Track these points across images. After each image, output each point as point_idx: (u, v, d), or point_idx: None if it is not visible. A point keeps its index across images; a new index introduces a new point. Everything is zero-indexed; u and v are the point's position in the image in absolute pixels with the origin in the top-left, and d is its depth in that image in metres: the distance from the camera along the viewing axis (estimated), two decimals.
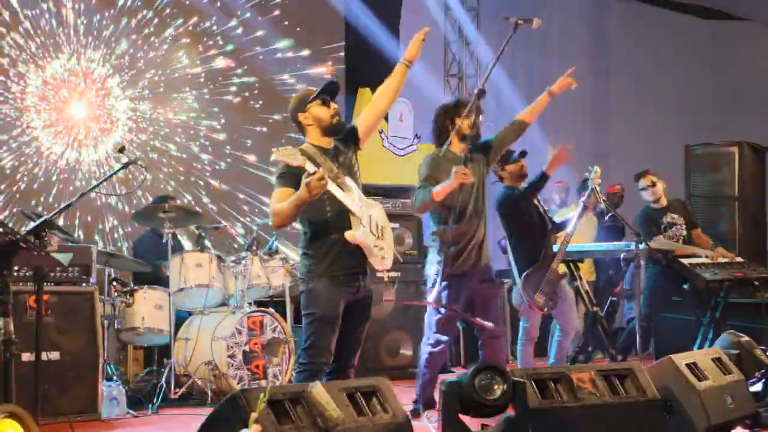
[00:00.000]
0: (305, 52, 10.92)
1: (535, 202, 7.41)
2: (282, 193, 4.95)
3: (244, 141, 10.42)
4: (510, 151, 7.25)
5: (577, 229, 7.50)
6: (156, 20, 9.86)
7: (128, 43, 9.67)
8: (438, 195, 5.95)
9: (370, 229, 5.07)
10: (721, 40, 14.37)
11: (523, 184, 7.34)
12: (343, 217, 5.01)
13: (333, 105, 5.18)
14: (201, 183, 10.10)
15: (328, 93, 5.18)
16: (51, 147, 9.14)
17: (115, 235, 9.46)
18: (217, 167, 10.23)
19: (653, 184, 8.80)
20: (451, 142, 6.27)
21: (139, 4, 9.74)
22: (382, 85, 5.44)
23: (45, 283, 5.39)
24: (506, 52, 6.22)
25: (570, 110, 13.24)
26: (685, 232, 8.75)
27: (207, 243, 8.55)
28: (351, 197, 5.01)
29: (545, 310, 7.19)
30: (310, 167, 4.72)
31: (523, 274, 7.16)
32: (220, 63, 10.31)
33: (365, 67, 11.33)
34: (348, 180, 5.05)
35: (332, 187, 4.88)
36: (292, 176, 4.90)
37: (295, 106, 5.22)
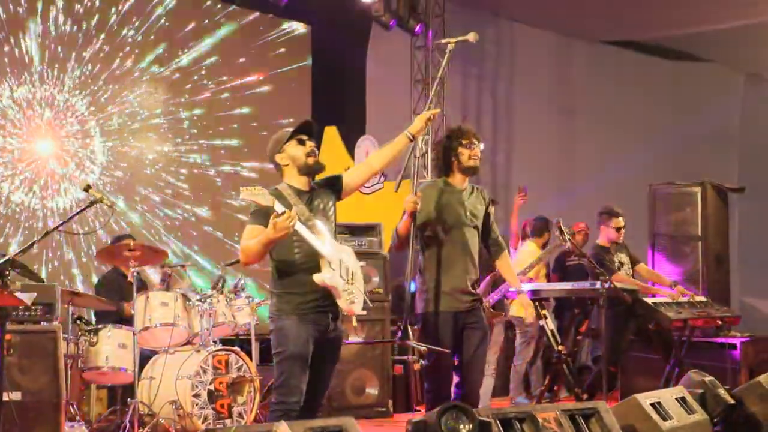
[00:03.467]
0: (271, 89, 11.00)
1: None
2: (252, 230, 5.00)
3: (209, 180, 10.44)
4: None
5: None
6: (117, 56, 9.87)
7: (91, 80, 9.66)
8: (400, 229, 5.87)
9: (340, 273, 5.10)
10: (685, 81, 14.54)
11: None
12: (311, 258, 5.05)
13: (309, 144, 5.20)
14: (167, 223, 10.07)
15: (303, 132, 5.21)
16: (13, 184, 9.09)
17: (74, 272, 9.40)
18: (184, 207, 10.22)
19: (624, 227, 8.88)
20: (453, 173, 6.15)
21: (106, 41, 9.75)
22: (381, 149, 5.48)
23: (8, 322, 5.34)
24: (447, 75, 6.19)
25: (535, 149, 13.37)
26: (631, 271, 8.87)
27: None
28: (321, 240, 5.03)
29: None
30: (278, 207, 4.74)
31: None
32: (188, 106, 10.32)
33: (331, 104, 11.40)
34: (319, 223, 5.07)
35: (301, 229, 4.91)
36: (263, 214, 4.94)
37: (272, 147, 5.27)
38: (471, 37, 6.01)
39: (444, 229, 6.00)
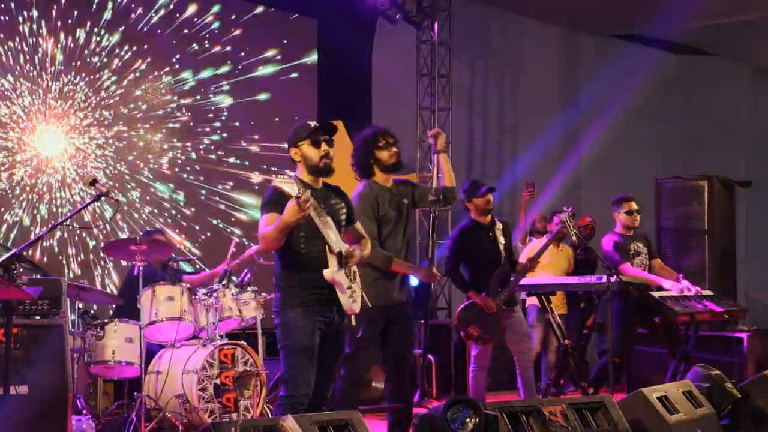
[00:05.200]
0: (277, 83, 11.01)
1: (495, 234, 7.58)
2: (269, 218, 5.04)
3: (217, 171, 10.45)
4: (479, 184, 7.46)
5: (542, 260, 7.74)
6: (126, 52, 9.87)
7: (101, 76, 9.67)
8: (395, 269, 6.08)
9: (345, 271, 5.12)
10: (692, 76, 14.52)
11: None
12: (316, 253, 5.08)
13: (324, 147, 5.20)
14: (174, 215, 10.08)
15: (322, 133, 5.22)
16: (22, 177, 9.09)
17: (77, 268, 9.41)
18: (191, 199, 10.23)
19: (637, 211, 8.82)
20: (375, 174, 6.26)
21: (114, 36, 9.74)
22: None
23: (14, 316, 5.34)
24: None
25: (541, 143, 13.34)
26: (647, 263, 8.82)
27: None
28: (330, 236, 5.05)
29: (479, 342, 7.40)
30: (293, 190, 4.77)
31: (461, 306, 7.53)
32: (195, 99, 10.33)
33: (337, 99, 11.38)
34: (330, 220, 5.10)
35: (315, 219, 4.93)
36: (278, 203, 4.99)
37: (290, 138, 5.32)
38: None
39: (381, 229, 6.12)
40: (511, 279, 7.53)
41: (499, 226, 7.68)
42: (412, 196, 6.40)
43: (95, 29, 9.61)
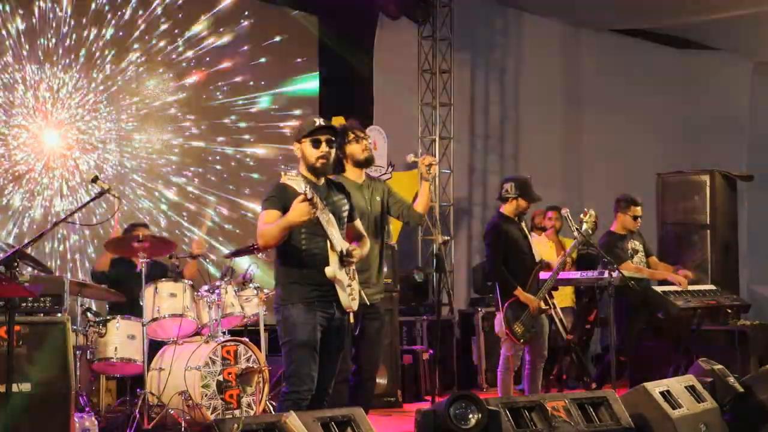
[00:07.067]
0: (278, 79, 11.00)
1: (524, 229, 7.58)
2: (269, 214, 5.06)
3: (217, 168, 10.45)
4: (532, 190, 7.45)
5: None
6: (127, 45, 9.87)
7: (102, 68, 9.66)
8: None
9: (345, 269, 5.14)
10: (694, 70, 14.49)
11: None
12: (317, 250, 5.08)
13: (324, 148, 5.20)
14: (175, 210, 10.08)
15: (324, 133, 5.21)
16: (22, 173, 9.09)
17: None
18: (193, 194, 10.23)
19: (640, 217, 8.83)
20: (346, 169, 6.28)
21: (116, 29, 9.74)
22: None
23: (16, 314, 5.34)
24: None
25: (543, 139, 13.34)
26: (645, 260, 8.83)
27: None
28: (333, 233, 5.06)
29: (521, 341, 7.33)
30: (309, 192, 4.79)
31: (506, 303, 7.39)
32: (193, 92, 10.32)
33: (339, 95, 11.37)
34: (332, 217, 5.11)
35: (322, 219, 4.94)
36: (279, 199, 5.02)
37: (294, 133, 5.36)
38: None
39: None
40: (541, 278, 7.54)
41: (523, 222, 7.71)
42: (386, 202, 6.40)
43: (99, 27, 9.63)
